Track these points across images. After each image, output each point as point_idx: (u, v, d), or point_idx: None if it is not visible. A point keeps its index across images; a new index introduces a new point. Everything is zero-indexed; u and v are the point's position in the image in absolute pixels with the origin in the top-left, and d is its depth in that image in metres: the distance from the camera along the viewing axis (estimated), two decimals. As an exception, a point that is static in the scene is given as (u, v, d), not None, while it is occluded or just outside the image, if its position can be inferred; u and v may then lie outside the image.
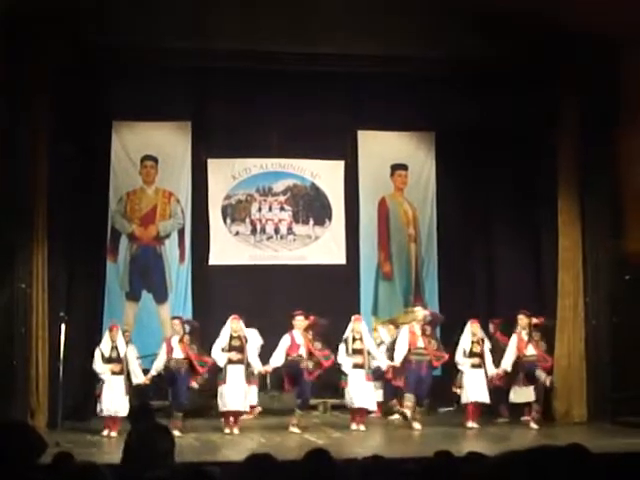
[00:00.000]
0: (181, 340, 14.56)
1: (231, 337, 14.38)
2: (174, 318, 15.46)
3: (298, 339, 14.67)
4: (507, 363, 14.81)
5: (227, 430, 14.11)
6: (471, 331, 15.00)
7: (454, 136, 17.96)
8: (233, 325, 14.48)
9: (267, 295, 17.43)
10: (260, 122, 17.57)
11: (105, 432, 13.82)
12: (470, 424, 14.58)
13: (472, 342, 14.88)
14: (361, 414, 14.66)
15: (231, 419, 14.23)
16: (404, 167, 18.75)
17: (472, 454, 5.77)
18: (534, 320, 14.99)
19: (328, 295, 17.06)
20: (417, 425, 14.51)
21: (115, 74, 15.81)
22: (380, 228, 18.62)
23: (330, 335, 15.12)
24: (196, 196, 18.00)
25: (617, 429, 13.88)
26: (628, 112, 14.95)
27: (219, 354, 14.32)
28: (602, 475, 4.74)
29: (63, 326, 14.92)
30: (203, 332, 15.78)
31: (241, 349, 14.35)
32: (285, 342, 14.62)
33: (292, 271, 18.07)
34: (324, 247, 18.47)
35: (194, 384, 14.66)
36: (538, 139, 16.14)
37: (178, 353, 14.46)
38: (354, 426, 14.49)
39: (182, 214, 17.90)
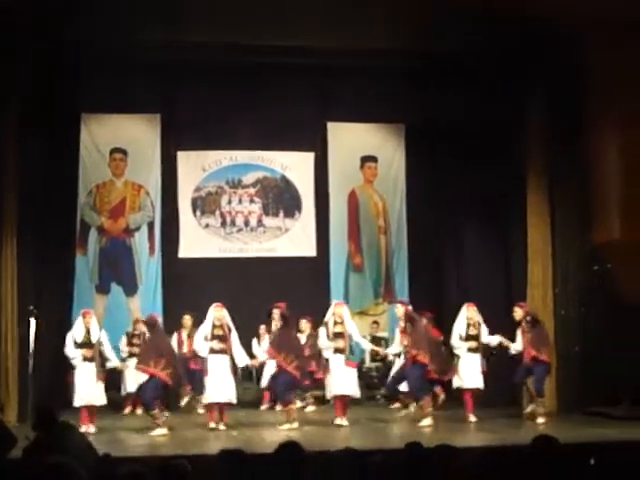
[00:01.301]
0: (189, 335, 15.01)
1: (214, 326, 13.65)
2: (185, 314, 15.92)
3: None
4: (516, 348, 14.43)
5: (212, 425, 13.48)
6: (466, 315, 14.54)
7: (424, 128, 18.04)
8: (216, 313, 13.74)
9: (237, 288, 17.41)
10: (230, 114, 17.55)
11: (82, 429, 13.01)
12: (472, 417, 14.11)
13: (468, 325, 14.46)
14: (343, 402, 14.05)
15: (215, 413, 13.60)
16: (374, 159, 18.81)
17: (443, 447, 5.79)
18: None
19: (298, 287, 17.08)
20: (426, 421, 13.78)
21: (84, 67, 15.71)
22: (350, 220, 18.67)
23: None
24: (166, 188, 17.98)
25: (587, 419, 13.94)
26: (595, 111, 15.03)
27: (201, 343, 13.66)
28: (572, 465, 4.78)
29: (32, 320, 14.84)
30: (174, 324, 15.83)
31: (224, 338, 13.63)
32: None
33: (262, 263, 18.08)
34: (294, 239, 18.51)
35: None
36: (508, 132, 16.19)
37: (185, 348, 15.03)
38: (338, 420, 13.86)
39: (152, 206, 17.87)
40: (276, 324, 15.01)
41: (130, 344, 15.92)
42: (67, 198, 17.16)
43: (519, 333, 14.49)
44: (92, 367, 13.70)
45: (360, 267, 18.58)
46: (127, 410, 15.97)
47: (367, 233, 18.69)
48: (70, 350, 13.74)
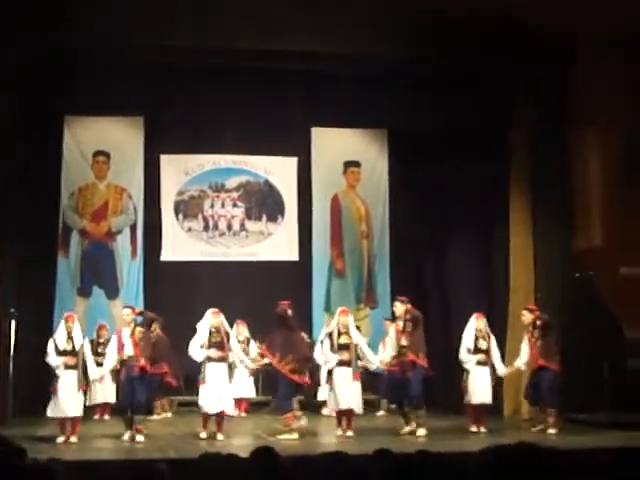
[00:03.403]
0: (132, 334, 13.30)
1: (210, 333, 13.19)
2: (125, 307, 14.32)
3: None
4: (522, 362, 14.05)
5: (203, 435, 13.09)
6: (475, 326, 13.97)
7: (406, 133, 18.06)
8: (213, 320, 13.26)
9: (219, 291, 17.39)
10: (213, 118, 17.53)
11: (61, 438, 12.81)
12: (474, 428, 13.72)
13: (476, 337, 13.88)
14: (349, 417, 13.39)
15: (213, 424, 13.21)
16: (357, 164, 18.83)
17: (422, 452, 5.79)
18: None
19: (280, 292, 17.00)
20: (421, 431, 13.38)
21: (68, 69, 15.65)
22: (333, 225, 18.68)
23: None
24: (148, 192, 17.96)
25: (566, 426, 13.97)
26: (581, 114, 15.09)
27: (197, 351, 13.15)
28: (552, 473, 4.79)
29: (13, 322, 14.82)
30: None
31: (222, 346, 13.17)
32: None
33: (244, 267, 18.09)
34: (277, 244, 18.51)
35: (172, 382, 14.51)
36: (491, 138, 16.27)
37: (129, 349, 13.18)
38: (340, 432, 13.35)
39: (134, 210, 17.84)
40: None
41: (95, 353, 14.58)
42: (49, 200, 17.13)
43: (525, 340, 14.09)
44: (74, 375, 12.96)
45: (342, 272, 18.58)
46: (97, 416, 15.68)
47: (349, 238, 18.70)
48: (52, 358, 13.00)
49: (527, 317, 14.09)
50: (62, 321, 13.37)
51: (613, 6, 13.48)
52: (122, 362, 13.24)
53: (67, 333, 13.13)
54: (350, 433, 13.25)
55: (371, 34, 14.79)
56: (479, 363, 13.88)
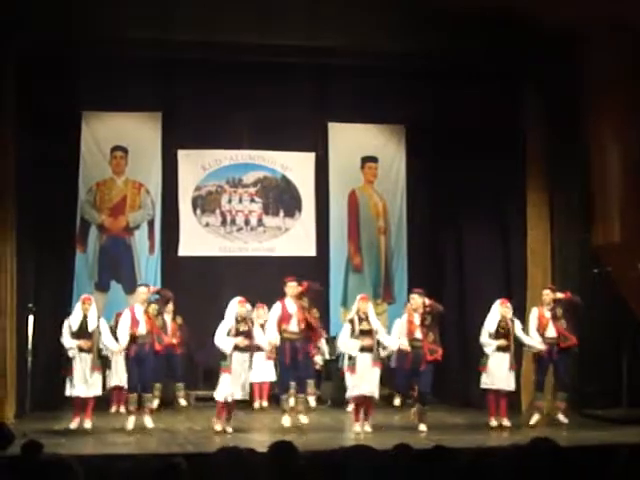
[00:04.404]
0: (145, 311, 13.34)
1: (237, 321, 13.13)
2: (141, 285, 14.39)
3: (291, 308, 13.58)
4: (537, 341, 13.96)
5: (218, 427, 13.00)
6: (500, 311, 13.81)
7: (424, 129, 18.03)
8: (239, 309, 13.25)
9: (236, 286, 17.39)
10: (231, 114, 17.55)
11: (74, 424, 12.98)
12: (493, 422, 13.61)
13: (499, 322, 13.70)
14: (368, 407, 13.30)
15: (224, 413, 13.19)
16: (374, 159, 18.79)
17: (439, 448, 5.78)
18: (558, 295, 14.17)
19: (297, 287, 17.06)
20: (423, 427, 13.34)
21: (85, 64, 15.69)
22: (350, 220, 18.65)
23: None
24: (166, 187, 17.97)
25: (585, 422, 13.93)
26: (596, 112, 15.02)
27: (224, 339, 13.01)
28: (570, 468, 4.78)
29: (31, 317, 14.87)
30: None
31: (249, 335, 13.16)
32: (276, 312, 13.52)
33: (262, 263, 18.08)
34: (294, 239, 18.50)
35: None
36: (507, 132, 16.22)
37: (142, 327, 13.23)
38: (357, 427, 13.15)
39: (152, 205, 17.86)
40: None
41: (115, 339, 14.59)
42: (67, 196, 17.16)
43: (535, 319, 14.08)
44: (89, 358, 13.01)
45: (359, 267, 18.56)
46: (114, 409, 15.25)
47: (367, 234, 18.68)
48: (66, 340, 13.08)
49: (549, 296, 14.06)
50: (79, 303, 13.44)
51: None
52: (134, 339, 13.21)
53: (83, 314, 13.22)
54: (368, 428, 13.12)
55: (389, 29, 14.79)
56: (499, 349, 13.69)
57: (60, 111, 16.45)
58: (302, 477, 5.14)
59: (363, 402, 13.29)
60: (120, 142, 17.85)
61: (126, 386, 13.96)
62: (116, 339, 13.44)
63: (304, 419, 13.63)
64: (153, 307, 13.50)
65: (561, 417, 13.63)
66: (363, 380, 13.14)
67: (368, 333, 13.22)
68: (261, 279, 17.35)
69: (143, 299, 13.55)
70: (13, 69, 14.47)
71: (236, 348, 13.03)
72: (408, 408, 14.63)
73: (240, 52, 15.30)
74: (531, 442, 5.41)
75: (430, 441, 11.26)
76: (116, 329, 14.24)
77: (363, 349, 13.19)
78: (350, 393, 13.54)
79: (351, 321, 13.43)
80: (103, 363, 13.88)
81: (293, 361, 13.32)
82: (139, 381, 13.27)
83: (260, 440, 11.92)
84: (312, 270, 18.06)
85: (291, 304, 13.57)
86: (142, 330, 13.19)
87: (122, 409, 15.03)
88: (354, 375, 13.29)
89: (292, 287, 13.63)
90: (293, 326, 13.41)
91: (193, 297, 16.99)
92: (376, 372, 13.24)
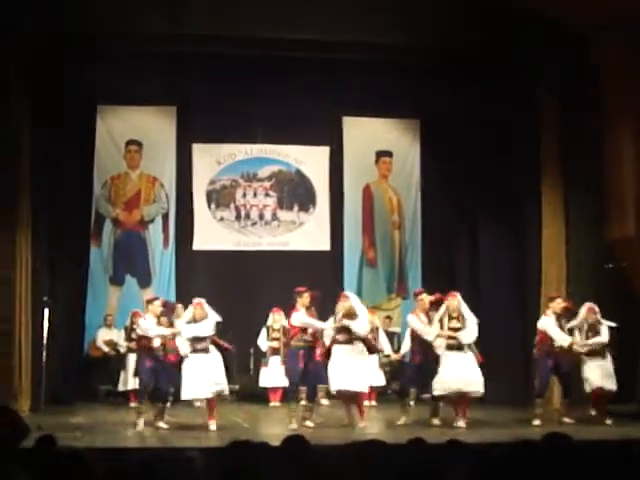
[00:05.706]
0: (158, 323, 13.18)
1: (268, 330, 15.98)
2: (154, 300, 13.83)
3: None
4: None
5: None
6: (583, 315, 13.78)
7: (439, 123, 18.04)
8: (275, 316, 15.87)
9: (251, 281, 17.46)
10: (245, 108, 17.57)
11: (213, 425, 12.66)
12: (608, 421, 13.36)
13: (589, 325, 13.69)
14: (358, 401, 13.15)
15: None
16: (389, 154, 18.80)
17: (453, 442, 5.78)
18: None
19: (311, 281, 16.98)
20: (436, 421, 13.28)
21: (100, 58, 15.70)
22: (364, 215, 18.67)
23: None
24: (180, 181, 18.01)
25: (598, 417, 13.88)
26: (610, 108, 14.97)
27: (264, 342, 16.10)
28: (585, 463, 4.76)
29: (46, 311, 14.90)
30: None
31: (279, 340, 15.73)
32: (303, 314, 13.21)
33: (276, 257, 18.10)
34: (308, 233, 18.51)
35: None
36: (522, 127, 16.19)
37: (157, 339, 13.03)
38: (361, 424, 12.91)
39: (166, 199, 17.91)
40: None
41: (129, 339, 14.99)
42: (82, 190, 17.22)
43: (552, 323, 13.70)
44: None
45: (373, 262, 18.57)
46: (133, 403, 14.86)
47: (381, 228, 18.68)
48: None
49: (560, 305, 13.77)
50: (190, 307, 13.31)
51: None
52: (148, 350, 12.99)
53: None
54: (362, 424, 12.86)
55: (404, 24, 14.76)
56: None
57: (75, 106, 16.49)
58: (315, 471, 5.14)
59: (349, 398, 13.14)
60: (135, 136, 17.91)
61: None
62: (131, 339, 14.36)
63: (310, 424, 13.47)
64: (165, 320, 13.43)
65: (566, 419, 13.57)
66: (342, 375, 12.85)
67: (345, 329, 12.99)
68: (275, 273, 17.36)
69: (156, 313, 13.24)
70: (28, 65, 14.49)
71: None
72: (421, 403, 14.56)
73: (255, 46, 15.30)
74: (545, 437, 5.40)
75: (445, 436, 11.24)
76: (132, 329, 14.44)
77: (339, 342, 12.99)
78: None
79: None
80: (119, 363, 13.97)
81: (305, 367, 13.22)
82: (154, 392, 12.95)
83: (274, 434, 11.87)
84: (326, 265, 18.09)
85: (304, 313, 13.31)
86: (156, 342, 13.02)
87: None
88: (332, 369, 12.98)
89: (306, 297, 13.28)
90: (308, 334, 13.19)
91: (207, 291, 16.98)
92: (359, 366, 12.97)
